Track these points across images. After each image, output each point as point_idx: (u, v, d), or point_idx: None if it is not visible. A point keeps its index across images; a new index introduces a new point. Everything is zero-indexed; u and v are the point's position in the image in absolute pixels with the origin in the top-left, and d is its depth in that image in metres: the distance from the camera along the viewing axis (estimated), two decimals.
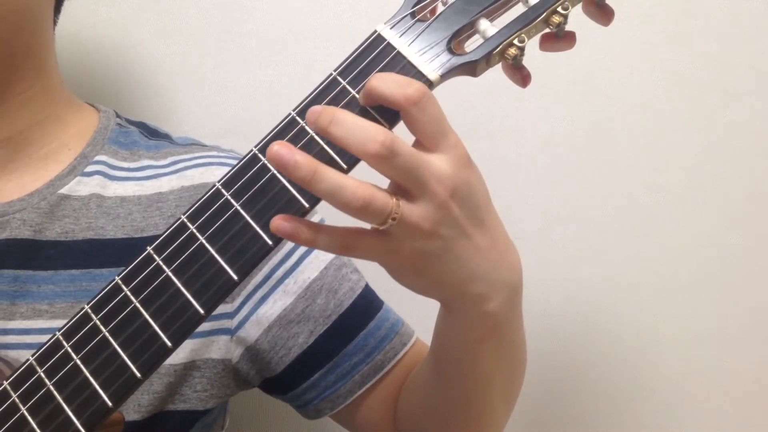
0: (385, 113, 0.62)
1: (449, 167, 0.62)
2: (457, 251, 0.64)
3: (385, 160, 0.59)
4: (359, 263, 0.95)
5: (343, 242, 0.62)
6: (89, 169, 0.91)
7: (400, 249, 0.63)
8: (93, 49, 1.24)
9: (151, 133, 0.99)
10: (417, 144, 0.63)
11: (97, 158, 0.92)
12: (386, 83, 0.60)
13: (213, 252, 0.64)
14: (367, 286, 0.95)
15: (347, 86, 0.64)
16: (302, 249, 0.91)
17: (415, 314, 0.95)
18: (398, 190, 0.62)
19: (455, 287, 0.67)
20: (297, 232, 0.61)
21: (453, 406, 0.83)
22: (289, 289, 0.90)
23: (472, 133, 1.24)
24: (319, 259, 0.91)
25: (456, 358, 0.78)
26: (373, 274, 0.96)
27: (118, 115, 0.98)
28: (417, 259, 0.63)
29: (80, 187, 0.89)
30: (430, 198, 0.61)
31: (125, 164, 0.93)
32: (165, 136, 0.99)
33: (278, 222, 0.61)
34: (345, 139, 0.60)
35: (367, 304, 0.94)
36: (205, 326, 0.87)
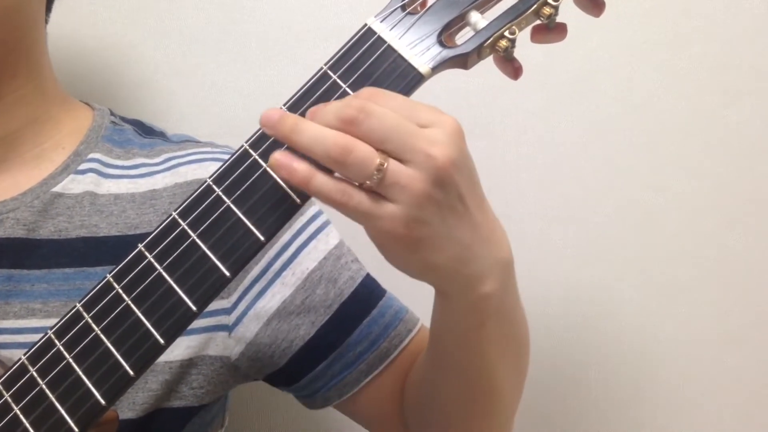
0: None
1: (441, 134, 0.61)
2: (453, 223, 0.63)
3: (358, 123, 0.60)
4: (361, 256, 0.95)
5: (338, 188, 0.61)
6: (83, 167, 0.91)
7: (389, 211, 0.61)
8: (93, 49, 1.24)
9: (146, 131, 0.99)
10: None
11: (91, 156, 0.92)
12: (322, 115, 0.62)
13: (205, 248, 0.64)
14: (368, 275, 0.94)
15: (338, 80, 0.65)
16: (300, 240, 0.91)
17: (419, 304, 0.94)
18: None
19: (449, 266, 0.65)
20: (293, 167, 0.61)
21: (459, 396, 0.82)
22: (287, 281, 0.89)
23: (472, 133, 1.23)
24: (318, 250, 0.91)
25: (457, 347, 0.77)
26: (375, 266, 0.96)
27: (112, 113, 0.98)
28: (407, 226, 0.62)
29: (74, 185, 0.89)
30: (425, 161, 0.60)
31: (119, 162, 0.93)
32: (160, 134, 0.99)
33: (277, 156, 0.62)
34: (323, 116, 0.61)
35: (368, 293, 0.93)
36: (201, 323, 0.87)
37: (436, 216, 0.62)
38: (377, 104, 0.61)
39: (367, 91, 0.62)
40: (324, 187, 0.61)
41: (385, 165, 0.60)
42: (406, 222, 0.61)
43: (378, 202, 0.61)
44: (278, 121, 0.62)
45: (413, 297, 0.96)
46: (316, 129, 0.60)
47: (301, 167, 0.61)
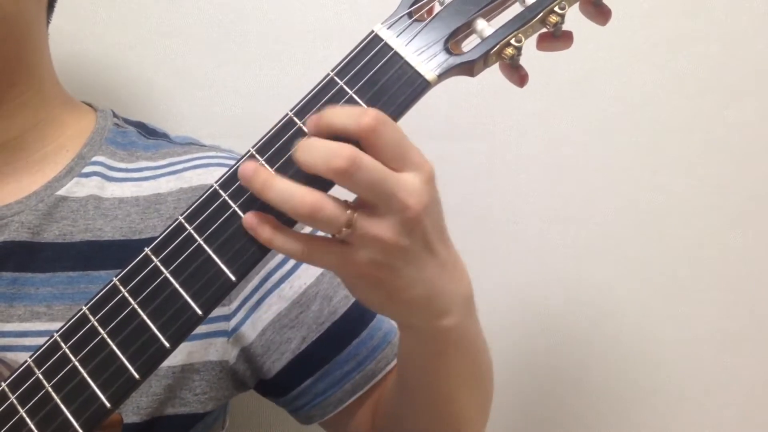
0: None
1: (419, 182, 0.62)
2: (421, 266, 0.65)
3: (349, 175, 0.60)
4: None
5: (300, 245, 0.63)
6: (87, 170, 0.91)
7: (357, 259, 0.63)
8: (93, 49, 1.24)
9: (149, 132, 0.98)
10: None
11: (95, 159, 0.92)
12: (339, 115, 0.62)
13: (211, 252, 0.64)
14: None
15: (344, 86, 0.64)
16: None
17: None
18: (363, 204, 0.62)
19: (412, 303, 0.67)
20: (259, 228, 0.63)
21: (424, 424, 0.84)
22: (284, 294, 0.90)
23: (472, 133, 1.24)
24: None
25: (420, 374, 0.78)
26: None
27: (115, 115, 0.98)
28: (374, 270, 0.64)
29: (78, 188, 0.89)
30: (399, 211, 0.61)
31: (123, 165, 0.93)
32: (163, 136, 0.99)
33: (247, 218, 0.63)
34: (312, 162, 0.61)
35: (360, 314, 0.93)
36: (202, 328, 0.86)
37: (402, 261, 0.64)
38: (378, 135, 0.61)
39: (373, 116, 0.61)
40: (286, 247, 0.63)
41: (353, 220, 0.61)
42: (372, 266, 0.63)
43: (343, 253, 0.63)
44: (252, 177, 0.63)
45: None
46: (285, 186, 0.61)
47: (264, 231, 0.63)
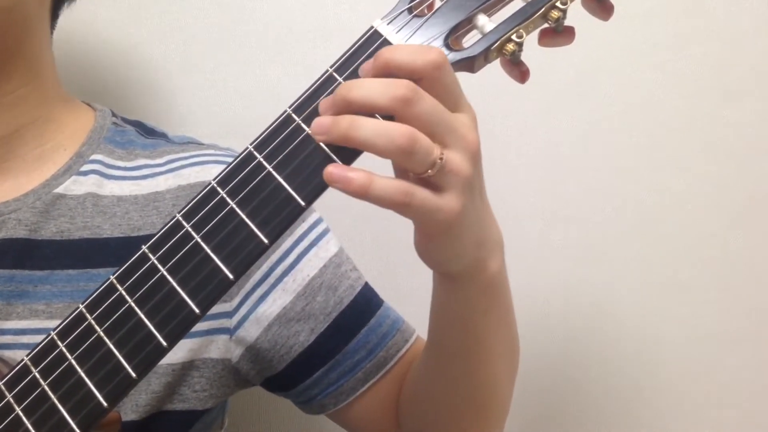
0: None
1: (470, 120, 0.63)
2: (477, 206, 0.65)
3: (412, 103, 0.58)
4: (357, 263, 0.95)
5: (401, 188, 0.60)
6: (85, 168, 0.90)
7: (449, 202, 0.61)
8: (92, 49, 1.24)
9: (148, 131, 0.98)
10: None
11: (93, 157, 0.92)
12: (403, 53, 0.60)
13: (208, 250, 0.64)
14: (366, 284, 0.94)
15: (343, 82, 0.64)
16: (301, 247, 0.91)
17: (413, 314, 0.95)
18: None
19: (470, 249, 0.67)
20: (348, 177, 0.59)
21: (459, 390, 0.83)
22: (288, 287, 0.90)
23: None
24: (319, 257, 0.91)
25: (461, 335, 0.77)
26: (372, 275, 0.96)
27: (114, 114, 0.98)
28: (460, 214, 0.62)
29: (76, 186, 0.89)
30: (464, 146, 0.61)
31: (121, 163, 0.92)
32: (161, 135, 0.99)
33: (330, 169, 0.60)
34: (368, 95, 0.59)
35: (367, 302, 0.93)
36: (203, 325, 0.87)
37: (471, 200, 0.63)
38: (445, 72, 0.60)
39: (439, 52, 0.60)
40: (385, 191, 0.60)
41: (444, 153, 0.60)
42: (459, 208, 0.62)
43: (438, 194, 0.61)
44: (333, 124, 0.60)
45: (408, 306, 0.97)
46: (376, 122, 0.59)
47: (357, 175, 0.59)
